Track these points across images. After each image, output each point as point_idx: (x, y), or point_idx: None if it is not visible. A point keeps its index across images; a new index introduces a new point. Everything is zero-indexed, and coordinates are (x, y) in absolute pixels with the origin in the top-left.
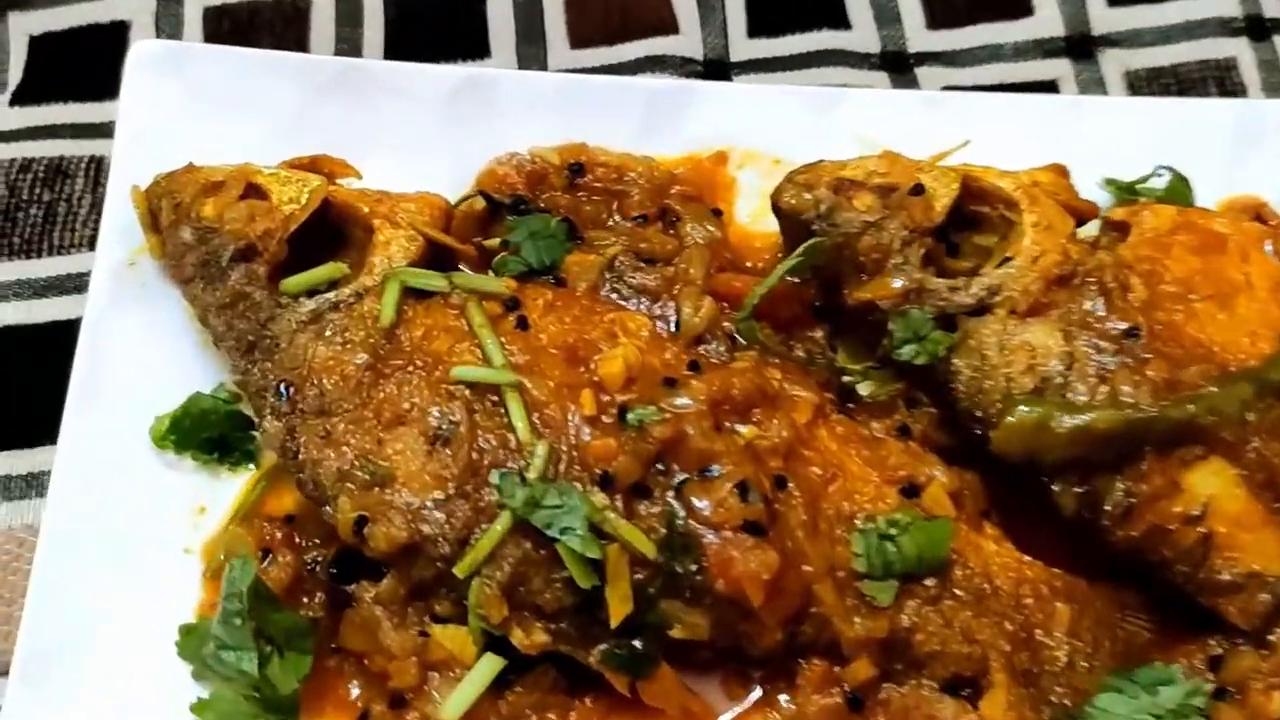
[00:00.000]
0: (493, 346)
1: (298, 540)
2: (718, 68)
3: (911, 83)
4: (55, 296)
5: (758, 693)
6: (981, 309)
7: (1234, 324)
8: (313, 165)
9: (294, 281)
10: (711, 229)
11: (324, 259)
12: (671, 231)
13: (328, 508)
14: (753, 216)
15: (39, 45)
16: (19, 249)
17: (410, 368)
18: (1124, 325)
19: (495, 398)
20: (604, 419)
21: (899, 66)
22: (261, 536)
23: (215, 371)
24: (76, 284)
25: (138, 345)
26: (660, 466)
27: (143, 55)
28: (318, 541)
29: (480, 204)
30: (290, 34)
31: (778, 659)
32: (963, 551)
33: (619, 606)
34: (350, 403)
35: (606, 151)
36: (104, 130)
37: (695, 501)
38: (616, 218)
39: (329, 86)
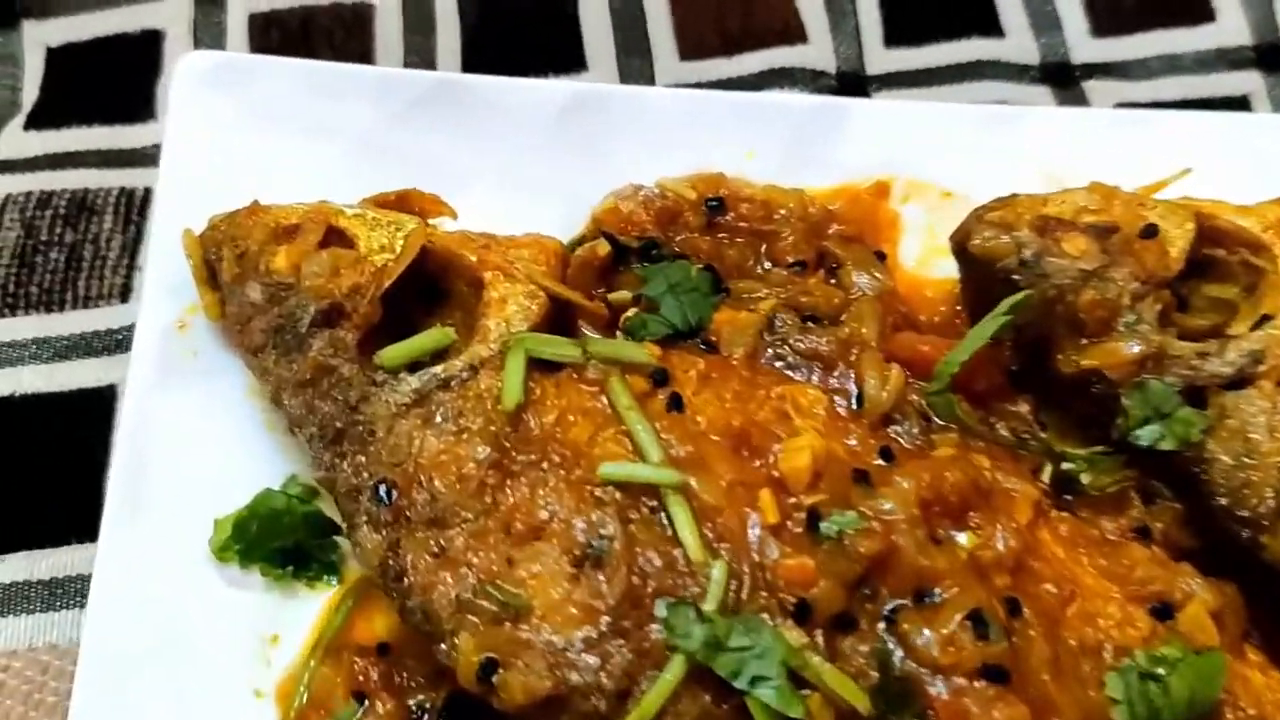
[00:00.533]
0: (647, 435)
1: (397, 679)
2: (853, 82)
3: (1079, 98)
4: (81, 358)
5: None
6: (1241, 380)
7: None
8: (401, 202)
9: (393, 353)
10: (880, 277)
11: (419, 321)
12: (833, 281)
13: (443, 645)
14: (920, 260)
15: (58, 59)
16: (38, 300)
17: (545, 464)
18: None
19: (653, 502)
20: (790, 527)
21: (1063, 79)
22: (352, 675)
23: (288, 462)
24: (106, 343)
25: (192, 429)
26: (866, 590)
27: (192, 69)
28: (422, 680)
29: (603, 248)
30: (351, 45)
31: None
32: (1230, 686)
33: None
34: (471, 510)
35: (748, 183)
36: (137, 158)
37: (914, 636)
38: (766, 264)
39: (415, 105)
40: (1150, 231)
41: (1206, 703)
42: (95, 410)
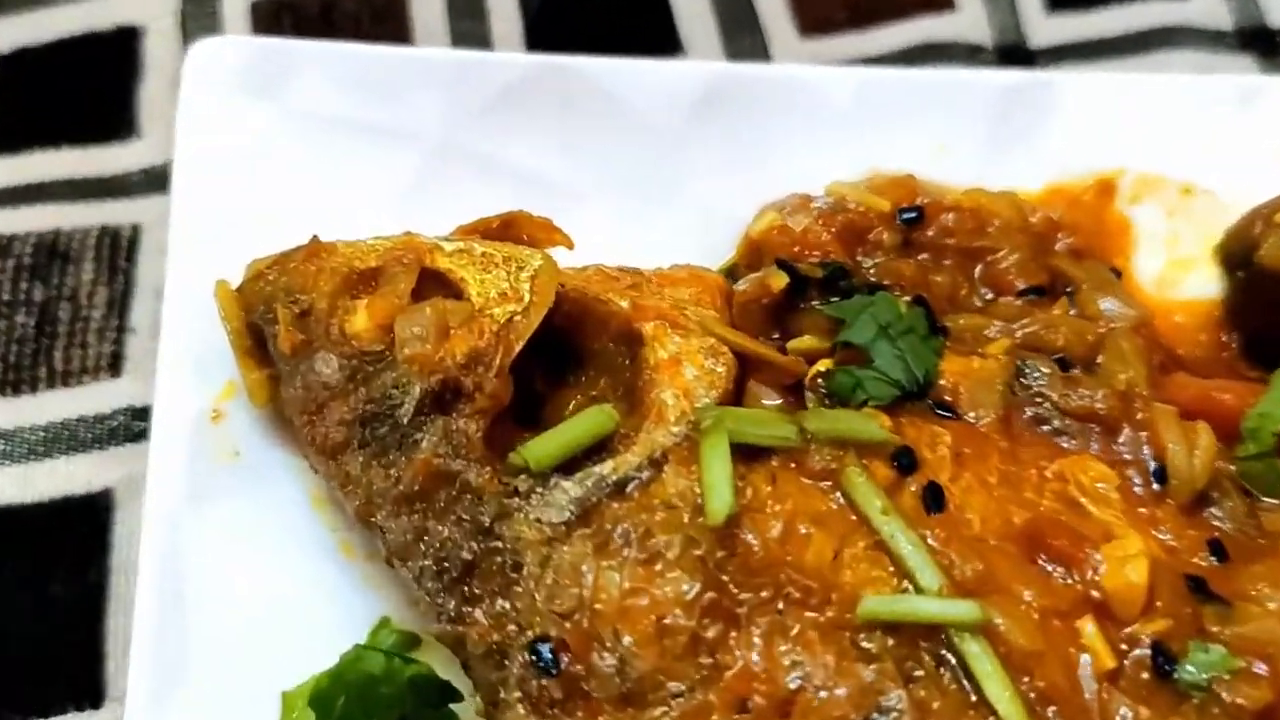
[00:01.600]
0: (915, 551)
1: None
2: (1016, 57)
3: None
4: (65, 454)
5: None
6: None
7: None
8: (504, 230)
9: (541, 448)
10: (1130, 302)
11: (547, 400)
12: (1072, 311)
13: None
14: (1162, 278)
15: (12, 67)
16: (1, 380)
17: (782, 604)
18: None
19: (939, 650)
20: (1130, 673)
21: (1267, 45)
22: None
23: (376, 601)
24: (97, 434)
25: (240, 561)
26: None
27: (211, 61)
28: None
29: (778, 281)
30: (382, 32)
31: None
32: None
33: None
34: (682, 679)
35: (946, 187)
36: (119, 186)
37: None
38: (985, 291)
39: (505, 98)
40: None
41: None
42: (87, 526)
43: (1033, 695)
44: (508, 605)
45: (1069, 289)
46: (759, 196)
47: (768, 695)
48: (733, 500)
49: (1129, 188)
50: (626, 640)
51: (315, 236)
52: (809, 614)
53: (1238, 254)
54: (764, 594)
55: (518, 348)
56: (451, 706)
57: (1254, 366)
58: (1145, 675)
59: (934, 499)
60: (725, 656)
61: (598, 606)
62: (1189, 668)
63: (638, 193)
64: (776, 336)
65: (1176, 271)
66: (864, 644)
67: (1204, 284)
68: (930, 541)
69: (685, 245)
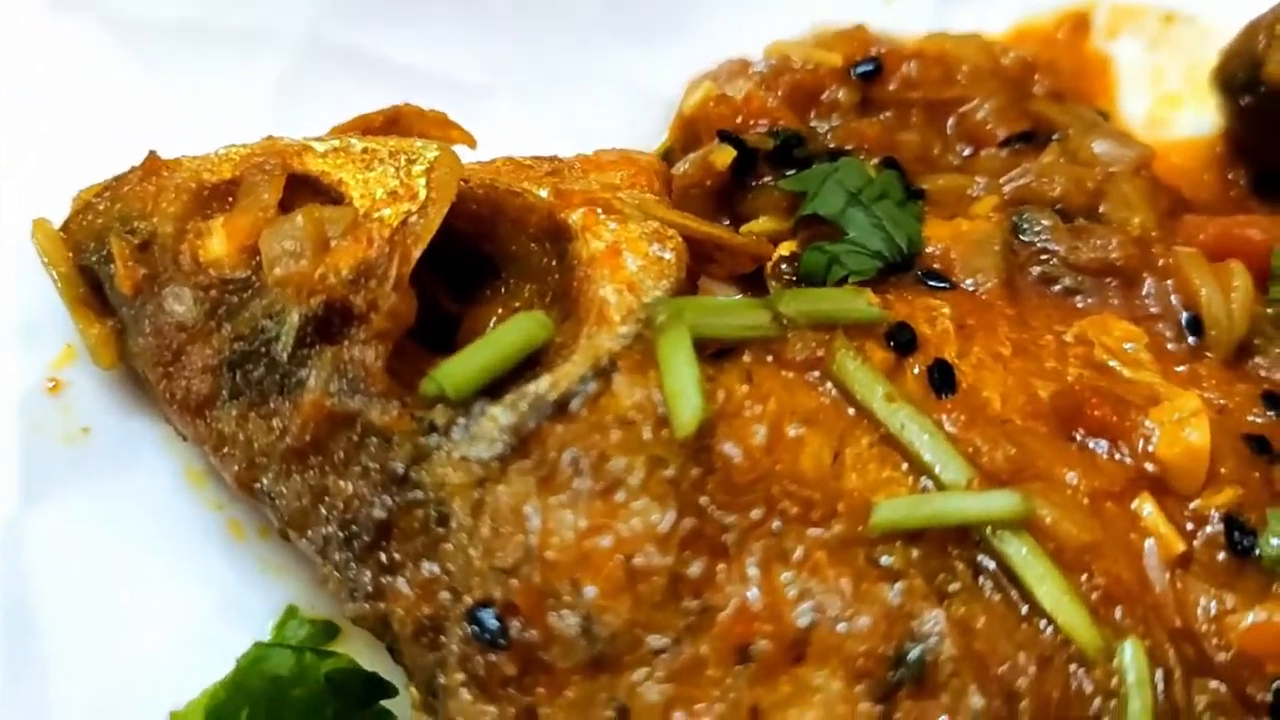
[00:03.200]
0: (934, 440)
1: None
2: None
3: None
4: None
5: None
6: None
7: None
8: (391, 129)
9: (458, 370)
10: (1130, 146)
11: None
12: (1062, 159)
13: None
14: (1152, 117)
15: None
16: None
17: (778, 523)
18: None
19: (975, 556)
20: (1202, 555)
21: None
22: None
23: (277, 588)
24: None
25: (100, 555)
26: None
27: None
28: None
29: (723, 157)
30: None
31: None
32: None
33: None
34: (664, 631)
35: (901, 37)
36: None
37: None
38: (963, 147)
39: None
40: None
41: None
42: None
43: (1094, 595)
44: (437, 569)
45: (1055, 135)
46: (689, 69)
47: (774, 636)
48: (703, 405)
49: (1104, 20)
50: (590, 592)
51: (152, 152)
52: (812, 532)
53: (1240, 76)
54: (754, 514)
55: (417, 252)
56: (385, 703)
57: (1266, 204)
58: (1222, 555)
59: (943, 379)
60: (715, 596)
61: (549, 555)
62: (1273, 540)
63: (549, 79)
64: (726, 224)
65: (1166, 109)
66: (884, 560)
67: (1197, 121)
68: (948, 428)
69: (610, 133)
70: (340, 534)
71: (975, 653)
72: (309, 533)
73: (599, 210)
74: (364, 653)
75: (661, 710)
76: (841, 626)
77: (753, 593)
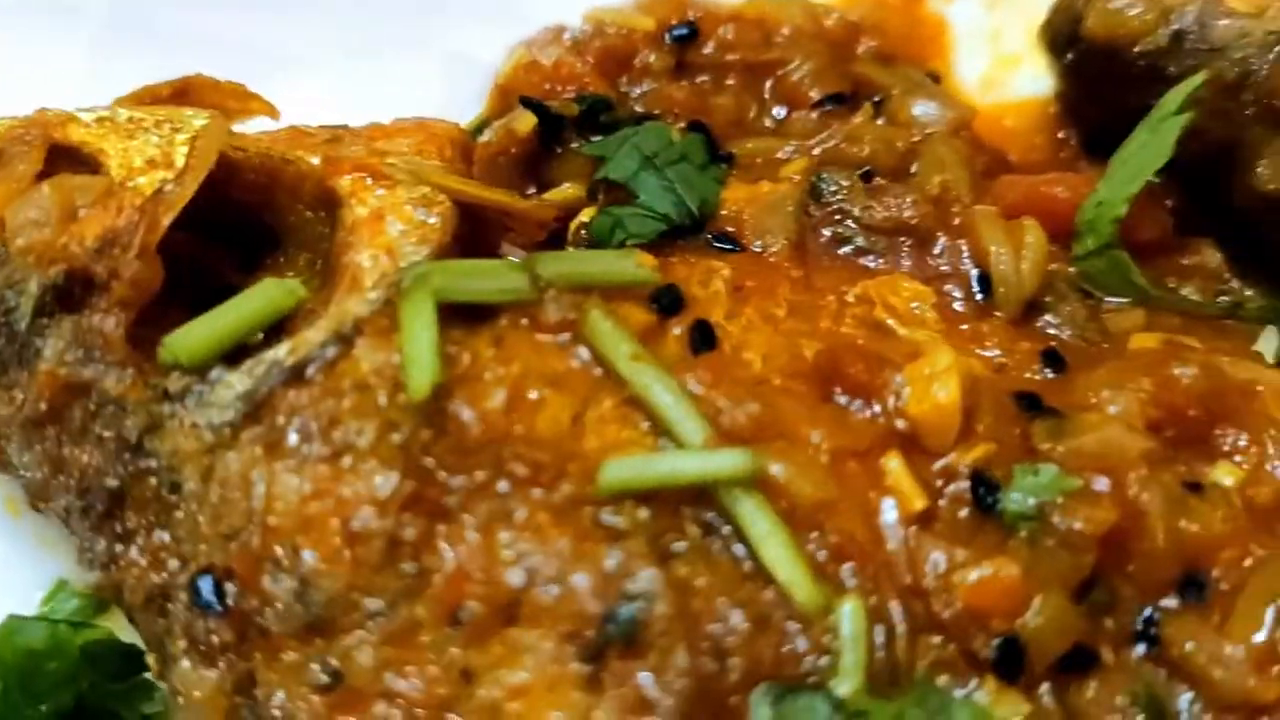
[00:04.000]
0: (674, 399)
1: None
2: None
3: None
4: None
5: None
6: None
7: None
8: (181, 99)
9: (192, 338)
10: (949, 106)
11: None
12: (882, 121)
13: None
14: (987, 79)
15: None
16: None
17: (503, 483)
18: None
19: (707, 515)
20: (946, 512)
21: None
22: None
23: (43, 562)
24: None
25: None
26: (1099, 597)
27: None
28: None
29: (525, 124)
30: None
31: None
32: None
33: None
34: (380, 594)
35: (721, 2)
36: None
37: (1203, 660)
38: (778, 111)
39: None
40: None
41: None
42: None
43: (824, 554)
44: (167, 536)
45: (877, 98)
46: (511, 39)
47: (485, 599)
48: (437, 368)
49: None
50: (308, 556)
51: None
52: (538, 493)
53: (1063, 34)
54: (480, 476)
55: (166, 220)
56: (148, 675)
57: (1097, 163)
58: (965, 512)
59: (703, 338)
60: (432, 560)
61: (270, 520)
62: (1014, 495)
63: (367, 50)
64: (531, 191)
65: (1003, 70)
66: (609, 521)
67: (1034, 82)
68: (696, 388)
69: (431, 104)
70: (79, 503)
71: (691, 612)
72: (53, 503)
73: (367, 177)
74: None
75: (373, 673)
76: (554, 588)
77: (469, 555)
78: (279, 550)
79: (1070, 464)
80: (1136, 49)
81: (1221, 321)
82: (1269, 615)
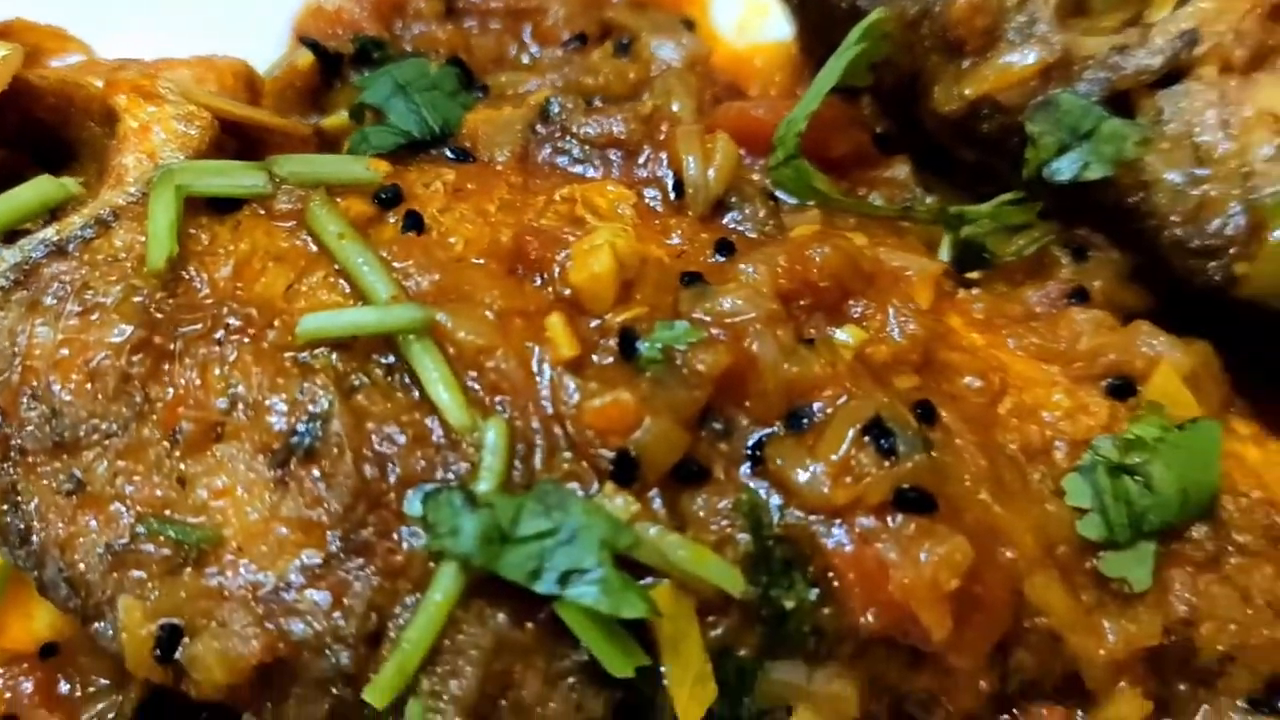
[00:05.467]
0: (370, 268)
1: (68, 687)
2: None
3: None
4: None
5: None
6: (1175, 73)
7: None
8: (3, 35)
9: None
10: (688, 44)
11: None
12: (627, 59)
13: (100, 624)
14: (743, 25)
15: None
16: None
17: (219, 333)
18: None
19: (389, 358)
20: (597, 360)
21: None
22: None
23: None
24: None
25: None
26: (718, 425)
27: None
28: (107, 684)
29: (304, 61)
30: None
31: None
32: (1226, 470)
33: (693, 696)
34: (113, 418)
35: None
36: None
37: (794, 473)
38: (535, 48)
39: None
40: None
41: (1205, 489)
42: None
43: (480, 388)
44: None
45: (625, 40)
46: None
47: (197, 419)
48: (173, 245)
49: None
50: (56, 389)
51: None
52: (247, 340)
53: None
54: (200, 327)
55: None
56: None
57: (827, 100)
58: (609, 360)
59: (413, 224)
60: (156, 390)
61: (28, 363)
62: (647, 344)
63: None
64: (314, 119)
65: (754, 16)
66: (303, 359)
67: (781, 26)
68: (396, 264)
69: (241, 47)
70: None
71: (362, 431)
72: None
73: (140, 95)
74: None
75: (109, 480)
76: (250, 412)
77: (185, 388)
78: (34, 385)
79: (704, 323)
80: None
81: (900, 224)
82: (848, 439)
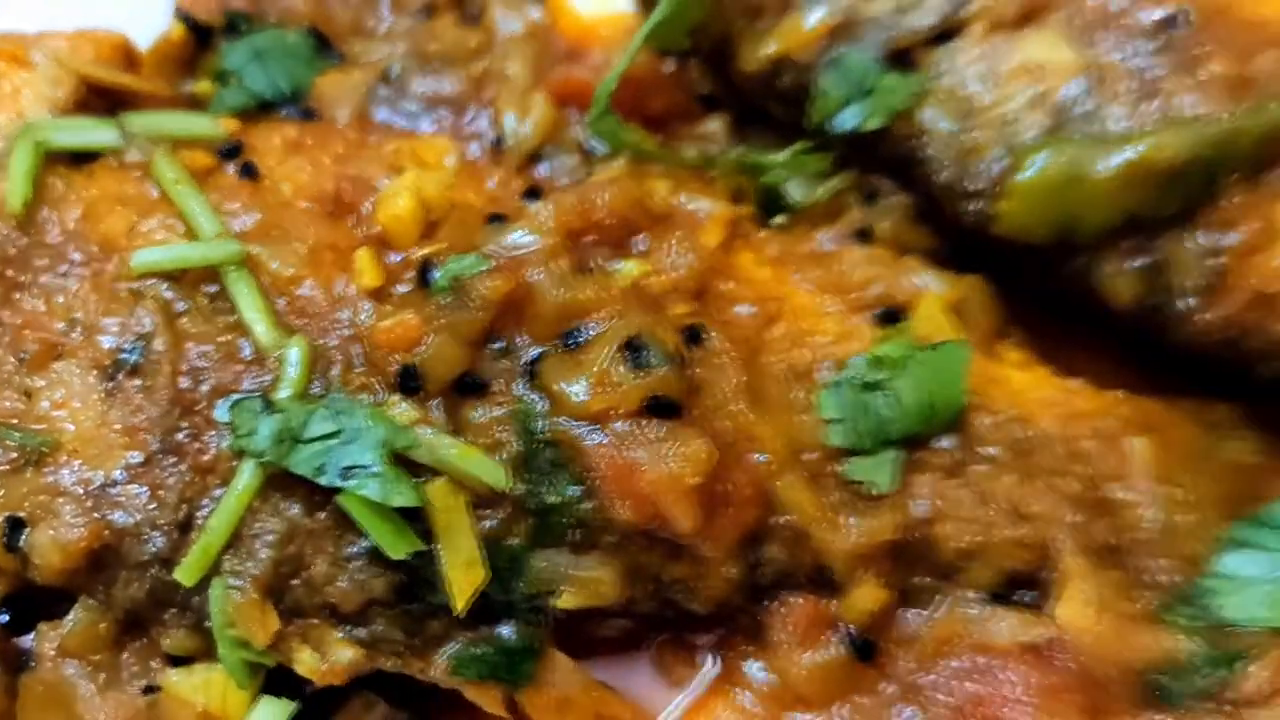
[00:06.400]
0: (200, 210)
1: None
2: None
3: None
4: None
5: (712, 667)
6: (948, 32)
7: None
8: None
9: None
10: (534, 14)
11: None
12: (476, 27)
13: None
14: None
15: None
16: None
17: (64, 266)
18: (1161, 11)
19: (214, 288)
20: (397, 290)
21: None
22: None
23: None
24: None
25: None
26: (500, 344)
27: None
28: None
29: (178, 31)
30: None
31: (734, 609)
32: (983, 390)
33: (464, 578)
34: None
35: None
36: None
37: (562, 385)
38: (392, 18)
39: None
40: None
41: (950, 404)
42: None
43: (288, 311)
44: None
45: (475, 11)
46: None
47: (40, 340)
48: (28, 191)
49: None
50: None
51: None
52: (88, 273)
53: None
54: (48, 262)
55: None
56: None
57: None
58: (409, 289)
59: (247, 173)
60: (8, 315)
61: None
62: (439, 273)
63: None
64: (190, 85)
65: None
66: (136, 290)
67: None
68: (226, 206)
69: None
70: None
71: (180, 349)
72: None
73: (15, 63)
74: None
75: None
76: (85, 330)
77: (34, 309)
78: None
79: (495, 255)
80: None
81: (709, 173)
82: (607, 355)
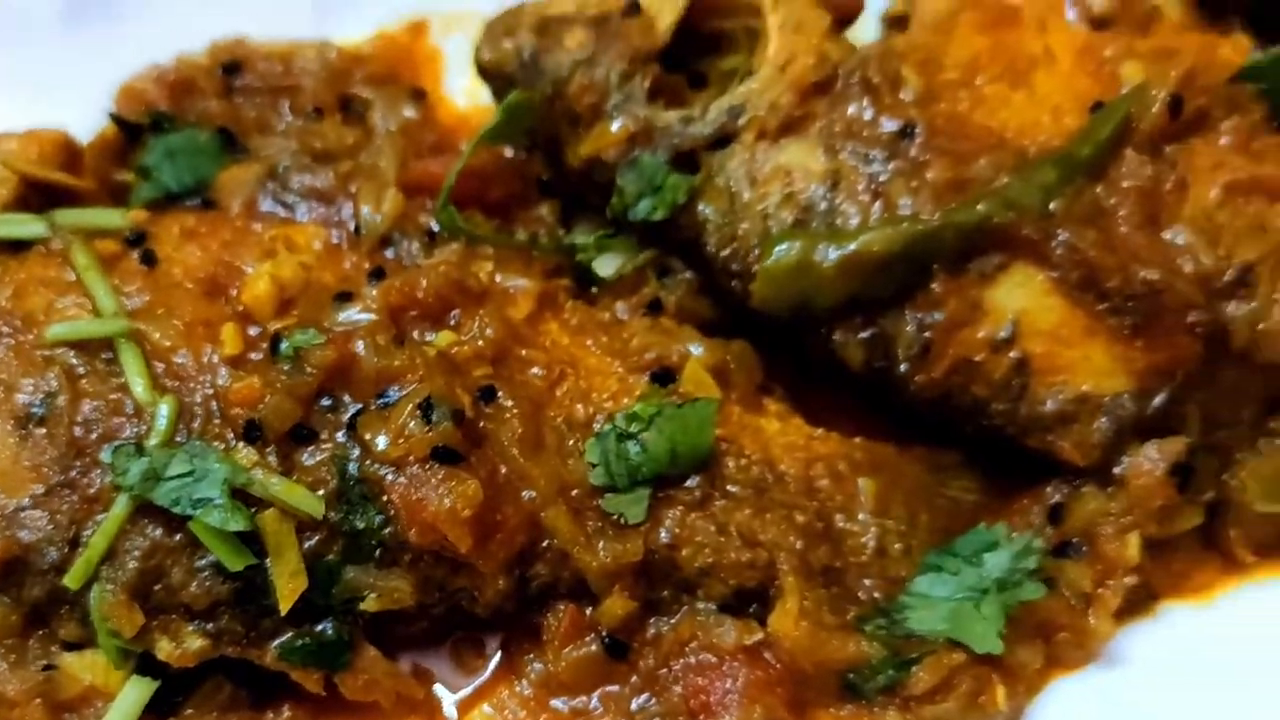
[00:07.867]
0: (102, 292)
1: None
2: None
3: None
4: None
5: (496, 659)
6: (724, 138)
7: (1032, 103)
8: None
9: None
10: (409, 113)
11: None
12: (357, 125)
13: None
14: (471, 91)
15: None
16: None
17: None
18: (896, 124)
19: (109, 355)
20: (252, 357)
21: None
22: None
23: None
24: None
25: None
26: (328, 401)
27: None
28: None
29: (111, 131)
30: None
31: (513, 613)
32: (736, 438)
33: (289, 585)
34: None
35: (270, 44)
36: None
37: (372, 436)
38: (290, 117)
39: None
40: (632, 9)
41: (695, 453)
42: None
43: (164, 375)
44: None
45: (362, 110)
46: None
47: None
48: None
49: (439, 25)
50: None
51: None
52: (11, 342)
53: (475, 60)
54: None
55: None
56: None
57: None
58: (260, 357)
59: (145, 259)
60: None
61: None
62: (285, 344)
63: (21, 87)
64: (123, 177)
65: (478, 85)
66: (47, 356)
67: None
68: (125, 288)
69: (77, 122)
70: None
71: (78, 405)
72: None
73: None
74: None
75: None
76: (6, 391)
77: None
78: None
79: (330, 330)
80: (506, 73)
81: (532, 253)
82: (406, 412)
